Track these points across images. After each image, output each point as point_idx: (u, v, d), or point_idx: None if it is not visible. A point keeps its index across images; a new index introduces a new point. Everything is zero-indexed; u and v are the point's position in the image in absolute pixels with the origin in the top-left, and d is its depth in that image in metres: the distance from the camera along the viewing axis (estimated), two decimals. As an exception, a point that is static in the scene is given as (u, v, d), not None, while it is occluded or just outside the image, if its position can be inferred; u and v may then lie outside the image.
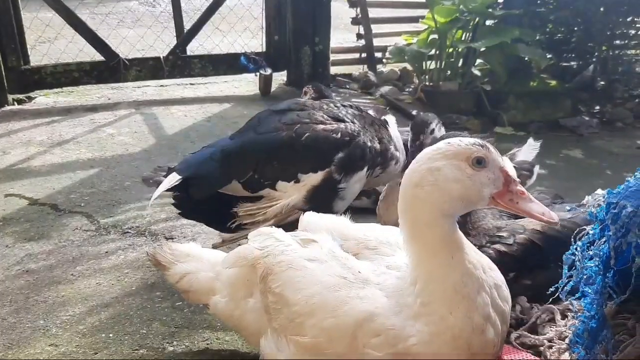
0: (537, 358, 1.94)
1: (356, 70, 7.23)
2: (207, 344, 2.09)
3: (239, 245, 1.89)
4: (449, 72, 6.46)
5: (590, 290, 1.44)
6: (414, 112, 6.05)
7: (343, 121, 2.62)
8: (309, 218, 1.74)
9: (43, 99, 5.83)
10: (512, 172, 1.43)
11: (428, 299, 1.38)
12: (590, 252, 1.40)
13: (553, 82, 6.53)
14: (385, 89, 6.61)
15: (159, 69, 5.99)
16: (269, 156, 2.56)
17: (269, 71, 6.08)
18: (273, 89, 6.35)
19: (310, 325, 1.44)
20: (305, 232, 1.68)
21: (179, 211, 2.71)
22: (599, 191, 2.28)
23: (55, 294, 2.49)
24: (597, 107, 6.65)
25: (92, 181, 4.00)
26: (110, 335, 2.14)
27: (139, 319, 2.26)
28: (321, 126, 2.57)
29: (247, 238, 1.79)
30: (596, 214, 1.36)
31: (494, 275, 1.51)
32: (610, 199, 1.33)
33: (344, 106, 2.73)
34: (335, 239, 1.60)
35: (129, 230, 3.21)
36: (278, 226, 2.53)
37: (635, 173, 1.34)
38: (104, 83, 6.03)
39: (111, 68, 5.80)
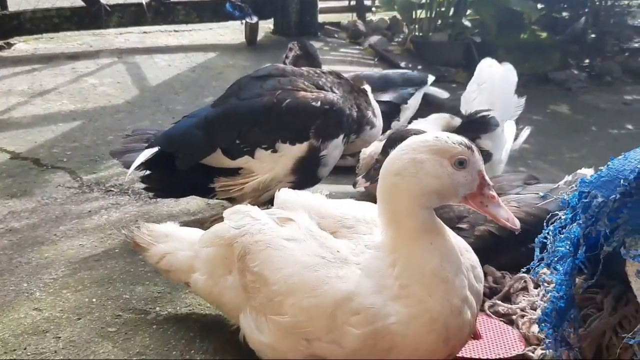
0: (510, 327, 2.01)
1: (345, 18, 7.09)
2: (190, 310, 2.13)
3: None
4: (439, 21, 6.36)
5: (560, 269, 1.48)
6: (402, 64, 5.99)
7: (323, 89, 2.62)
8: (285, 195, 1.74)
9: (23, 45, 5.68)
10: (488, 178, 1.46)
11: (407, 282, 1.41)
12: (562, 236, 1.42)
13: (544, 35, 6.46)
14: (374, 38, 6.50)
15: (142, 15, 5.83)
16: (250, 121, 2.57)
17: (255, 19, 5.95)
18: (259, 37, 6.23)
19: (289, 305, 1.46)
20: (281, 210, 1.69)
21: (152, 193, 2.76)
22: (582, 170, 2.31)
23: (38, 255, 2.51)
24: (587, 61, 6.62)
25: (75, 135, 3.96)
26: (94, 300, 2.16)
27: (122, 283, 2.29)
28: (302, 93, 2.58)
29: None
30: (568, 200, 1.38)
31: (470, 257, 1.55)
32: (582, 187, 1.35)
33: (324, 73, 2.73)
34: (312, 218, 1.61)
35: (112, 189, 3.20)
36: (254, 203, 2.59)
37: (609, 162, 1.36)
38: (85, 29, 5.87)
39: (92, 14, 5.64)
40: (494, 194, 1.50)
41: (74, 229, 2.76)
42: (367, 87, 2.85)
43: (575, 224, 1.38)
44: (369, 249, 1.49)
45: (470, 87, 3.17)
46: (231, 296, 1.69)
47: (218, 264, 1.71)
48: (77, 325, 2.01)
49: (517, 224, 1.48)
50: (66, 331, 1.98)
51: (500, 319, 2.05)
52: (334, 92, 2.64)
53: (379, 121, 2.81)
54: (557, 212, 1.48)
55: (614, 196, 1.28)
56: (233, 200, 2.66)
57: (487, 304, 2.10)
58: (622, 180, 1.27)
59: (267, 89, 2.61)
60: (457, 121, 3.12)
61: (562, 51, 6.43)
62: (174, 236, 1.94)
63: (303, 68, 2.79)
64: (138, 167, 2.62)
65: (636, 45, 6.81)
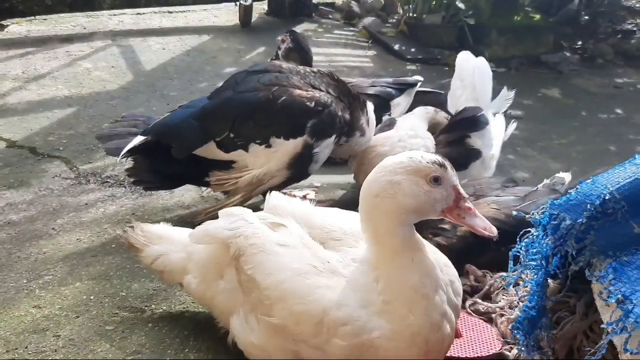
0: (489, 325, 2.11)
1: (339, -1, 7.08)
2: (184, 307, 2.22)
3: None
4: (434, 2, 6.36)
5: (532, 281, 1.57)
6: (396, 47, 6.01)
7: (319, 89, 2.68)
8: (276, 201, 1.81)
9: (16, 27, 5.67)
10: (462, 191, 1.53)
11: (389, 298, 1.50)
12: (534, 250, 1.51)
13: (537, 16, 6.46)
14: (368, 20, 6.51)
15: (136, -4, 5.83)
16: (245, 114, 2.62)
17: (249, 1, 5.94)
18: (253, 19, 6.23)
19: (279, 308, 1.55)
20: (272, 215, 1.77)
21: (142, 186, 2.84)
22: (560, 174, 2.38)
23: (37, 250, 2.58)
24: (579, 43, 6.64)
25: (70, 122, 4.00)
26: (92, 297, 2.25)
27: (119, 279, 2.37)
28: (298, 91, 2.64)
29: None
30: (540, 220, 1.47)
31: (449, 272, 1.63)
32: (551, 210, 1.43)
33: (320, 73, 2.77)
34: (302, 227, 1.69)
35: (108, 180, 3.27)
36: (248, 197, 2.67)
37: (577, 186, 1.43)
38: (79, 11, 5.87)
39: (86, -4, 5.64)
40: (470, 205, 1.58)
41: (71, 223, 2.83)
42: (371, 106, 2.89)
43: (546, 240, 1.46)
44: (355, 262, 1.57)
45: (454, 84, 3.21)
46: (222, 300, 1.77)
47: (211, 268, 1.79)
48: (76, 324, 2.10)
49: (494, 231, 1.57)
50: (65, 329, 2.07)
51: (480, 317, 2.14)
52: (328, 93, 2.69)
53: (370, 132, 2.86)
54: (529, 229, 1.56)
55: (580, 220, 1.36)
56: (227, 193, 2.74)
57: (468, 302, 2.20)
58: (589, 205, 1.36)
59: (263, 83, 2.66)
60: (442, 115, 3.18)
61: (555, 33, 6.45)
62: (167, 237, 2.01)
63: (299, 67, 2.83)
64: (126, 154, 2.69)
65: (629, 26, 6.82)
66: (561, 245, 1.40)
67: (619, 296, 1.28)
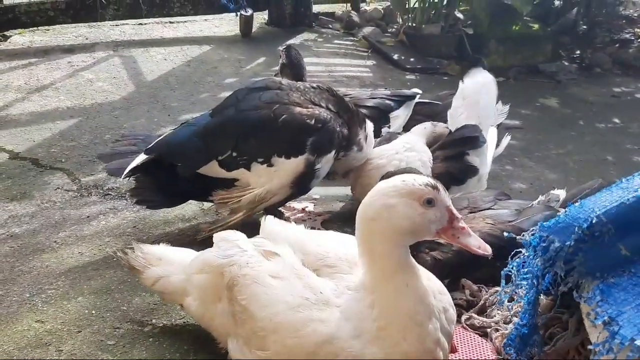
0: (484, 340, 2.14)
1: (339, 8, 7.12)
2: (184, 322, 2.26)
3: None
4: (433, 11, 6.41)
5: (524, 299, 1.61)
6: (395, 56, 6.06)
7: (319, 105, 2.73)
8: (271, 227, 1.85)
9: (18, 37, 5.73)
10: (456, 211, 1.57)
11: (384, 323, 1.53)
12: (525, 270, 1.55)
13: (536, 26, 6.50)
14: (367, 29, 6.55)
15: (137, 7, 5.88)
16: (247, 133, 2.67)
17: (249, 12, 6.00)
18: (254, 29, 6.27)
19: (272, 341, 1.59)
20: (267, 240, 1.81)
21: (145, 205, 2.89)
22: (555, 191, 2.42)
23: (39, 264, 2.63)
24: (577, 52, 6.68)
25: (72, 133, 4.05)
26: (93, 311, 2.29)
27: (120, 294, 2.42)
28: (298, 109, 2.68)
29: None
30: (530, 241, 1.51)
31: (443, 299, 1.66)
32: (541, 232, 1.47)
33: (320, 89, 2.81)
34: (296, 253, 1.73)
35: (110, 192, 3.31)
36: (250, 214, 2.71)
37: (566, 209, 1.47)
38: (81, 22, 5.92)
39: (87, 6, 5.70)
40: (464, 225, 1.62)
41: (73, 236, 2.87)
42: (370, 125, 2.94)
43: (536, 261, 1.50)
44: (349, 290, 1.61)
45: (456, 102, 3.24)
46: (221, 322, 1.82)
47: (209, 290, 1.84)
48: (78, 338, 2.15)
49: (489, 250, 1.61)
50: (67, 344, 2.11)
51: (476, 331, 2.18)
52: (328, 109, 2.74)
53: (367, 148, 2.91)
54: (520, 249, 1.60)
55: (569, 242, 1.40)
56: (229, 211, 2.77)
57: (464, 316, 2.24)
58: (576, 228, 1.39)
59: (264, 101, 2.71)
60: (441, 126, 3.22)
61: (553, 42, 6.49)
62: (167, 259, 2.05)
63: (299, 82, 2.88)
64: (128, 174, 2.73)
65: (627, 35, 6.86)
66: (551, 266, 1.44)
67: (606, 318, 1.32)
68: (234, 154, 2.65)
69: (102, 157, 2.97)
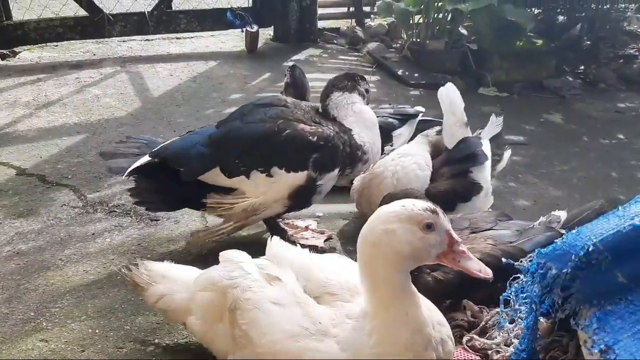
0: (484, 361, 2.15)
1: (344, 24, 7.18)
2: (186, 341, 2.27)
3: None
4: (437, 27, 6.45)
5: (523, 324, 1.62)
6: (399, 72, 6.09)
7: (321, 124, 2.79)
8: (276, 250, 1.88)
9: (27, 53, 5.81)
10: (456, 235, 1.59)
11: (381, 351, 1.55)
12: (524, 295, 1.56)
13: (539, 42, 6.53)
14: (372, 45, 6.60)
15: (144, 24, 5.96)
16: (251, 143, 2.73)
17: (255, 28, 6.06)
18: (260, 44, 6.34)
19: None
20: (271, 263, 1.83)
21: (144, 207, 2.94)
22: (556, 212, 2.44)
23: (45, 282, 2.65)
24: (582, 68, 6.69)
25: (79, 149, 4.09)
26: (97, 331, 2.32)
27: (123, 313, 2.44)
28: (301, 125, 2.76)
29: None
30: (528, 267, 1.52)
31: (442, 331, 1.68)
32: (538, 259, 1.48)
33: (322, 114, 2.89)
34: (298, 279, 1.75)
35: (115, 209, 3.34)
36: (241, 225, 2.77)
37: (563, 237, 1.49)
38: (89, 38, 6.00)
39: (95, 23, 5.77)
40: (464, 248, 1.64)
41: (78, 253, 2.90)
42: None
43: (533, 287, 1.52)
44: (348, 319, 1.63)
45: (448, 120, 3.26)
46: (221, 343, 1.84)
47: (211, 310, 1.86)
48: (82, 357, 2.17)
49: (489, 273, 1.63)
50: (72, 364, 2.13)
51: (477, 353, 2.19)
52: (329, 128, 2.80)
53: (373, 156, 2.99)
54: (518, 274, 1.61)
55: (566, 270, 1.42)
56: (222, 218, 2.84)
57: (465, 338, 2.24)
58: (573, 256, 1.41)
59: (270, 116, 2.79)
60: (432, 134, 3.28)
61: (557, 58, 6.51)
62: (170, 277, 2.08)
63: (302, 102, 2.95)
64: (130, 173, 2.78)
65: (631, 51, 6.88)
66: (548, 292, 1.45)
67: (602, 346, 1.33)
68: (237, 161, 2.72)
69: (104, 154, 3.02)
